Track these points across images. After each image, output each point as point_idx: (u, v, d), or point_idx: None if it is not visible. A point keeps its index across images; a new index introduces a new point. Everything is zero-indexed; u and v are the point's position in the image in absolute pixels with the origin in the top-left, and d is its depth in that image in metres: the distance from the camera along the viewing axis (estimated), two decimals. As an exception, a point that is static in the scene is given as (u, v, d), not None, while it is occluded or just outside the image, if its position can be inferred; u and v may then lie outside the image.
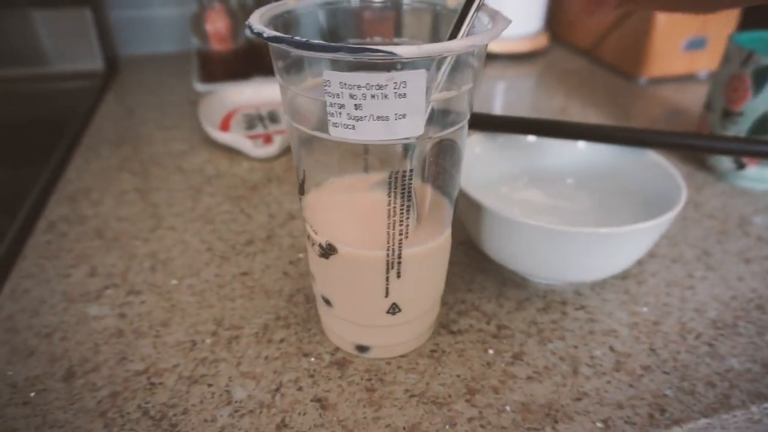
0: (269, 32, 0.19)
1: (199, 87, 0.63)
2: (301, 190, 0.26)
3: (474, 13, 0.21)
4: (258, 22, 0.21)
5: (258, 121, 0.55)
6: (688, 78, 0.68)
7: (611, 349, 0.30)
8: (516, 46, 0.75)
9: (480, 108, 0.61)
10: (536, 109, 0.61)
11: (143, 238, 0.39)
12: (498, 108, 0.62)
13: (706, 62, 0.66)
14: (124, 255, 0.37)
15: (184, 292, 0.34)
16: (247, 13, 0.64)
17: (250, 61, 0.65)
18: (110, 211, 0.42)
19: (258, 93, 0.59)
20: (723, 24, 0.64)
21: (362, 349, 0.29)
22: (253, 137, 0.51)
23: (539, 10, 0.75)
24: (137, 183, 0.46)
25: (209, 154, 0.51)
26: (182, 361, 0.29)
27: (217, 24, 0.62)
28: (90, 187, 0.45)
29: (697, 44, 0.65)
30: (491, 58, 0.75)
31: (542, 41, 0.76)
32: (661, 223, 0.29)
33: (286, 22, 0.25)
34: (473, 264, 0.36)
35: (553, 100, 0.63)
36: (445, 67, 0.21)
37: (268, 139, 0.51)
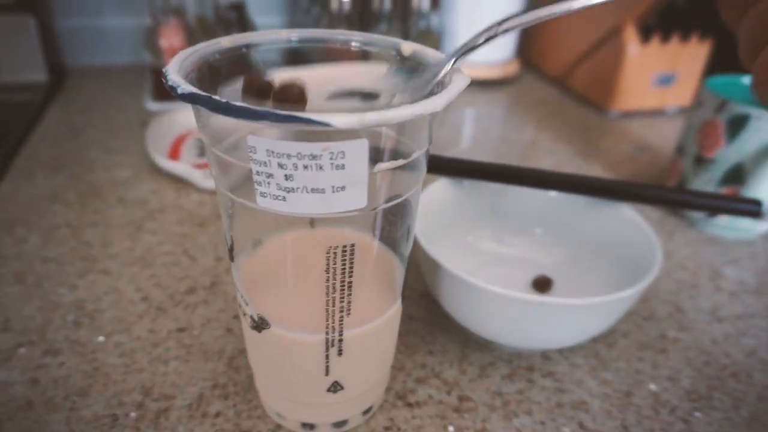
0: (184, 88, 0.16)
1: (152, 105, 0.59)
2: (231, 256, 0.22)
3: (447, 72, 0.19)
4: (177, 70, 0.18)
5: (211, 147, 0.52)
6: (658, 113, 0.67)
7: (581, 426, 0.28)
8: (487, 73, 0.73)
9: (448, 138, 0.58)
10: (506, 142, 0.59)
11: (70, 284, 0.35)
12: (467, 138, 0.60)
13: (675, 98, 0.66)
14: (45, 305, 0.33)
15: (110, 352, 0.30)
16: (206, 27, 0.60)
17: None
18: (35, 250, 0.37)
19: (214, 115, 0.56)
20: (692, 61, 0.64)
21: (307, 426, 0.26)
22: (203, 166, 0.47)
23: (511, 38, 0.74)
24: (71, 217, 0.41)
25: (156, 184, 0.47)
26: (99, 442, 0.25)
27: (171, 39, 0.58)
28: (15, 220, 0.41)
29: (666, 80, 0.64)
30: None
31: (513, 68, 0.75)
32: (636, 292, 0.27)
33: (237, 59, 0.22)
34: (435, 322, 0.34)
35: (523, 132, 0.61)
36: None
37: (220, 169, 0.48)
